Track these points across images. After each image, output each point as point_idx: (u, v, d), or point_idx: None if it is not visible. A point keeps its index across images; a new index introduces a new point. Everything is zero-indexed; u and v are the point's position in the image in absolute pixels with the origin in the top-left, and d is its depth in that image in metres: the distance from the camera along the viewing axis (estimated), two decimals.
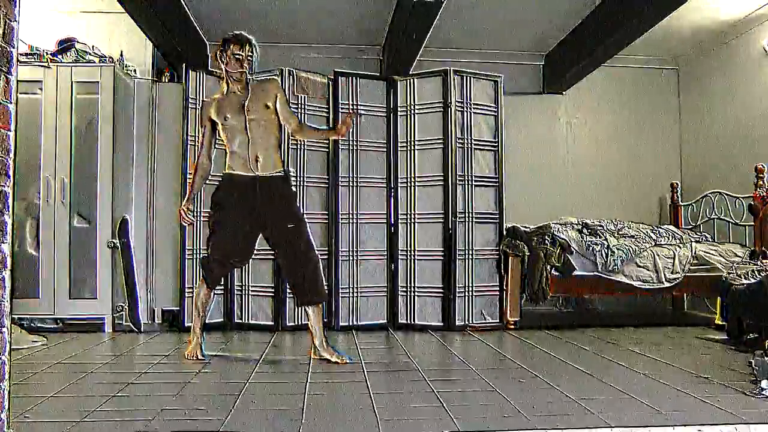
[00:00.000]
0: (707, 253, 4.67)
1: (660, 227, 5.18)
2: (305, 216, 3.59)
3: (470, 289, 4.50)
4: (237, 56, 3.35)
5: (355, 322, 4.54)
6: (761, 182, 4.61)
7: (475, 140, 4.60)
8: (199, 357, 3.36)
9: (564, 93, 6.04)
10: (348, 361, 3.28)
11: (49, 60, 4.35)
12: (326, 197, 4.67)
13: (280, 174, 3.41)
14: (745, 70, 5.23)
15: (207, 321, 4.49)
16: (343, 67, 4.97)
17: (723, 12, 5.01)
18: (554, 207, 5.56)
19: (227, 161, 3.43)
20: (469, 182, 4.56)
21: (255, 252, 4.51)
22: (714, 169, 5.61)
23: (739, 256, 4.54)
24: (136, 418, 2.25)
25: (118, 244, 4.36)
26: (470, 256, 4.52)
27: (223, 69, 3.40)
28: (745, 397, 2.54)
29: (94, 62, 4.45)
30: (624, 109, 6.16)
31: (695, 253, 4.66)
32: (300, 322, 4.50)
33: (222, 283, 4.62)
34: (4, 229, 1.90)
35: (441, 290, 4.49)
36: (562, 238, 4.61)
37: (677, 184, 5.89)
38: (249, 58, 3.38)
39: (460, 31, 5.37)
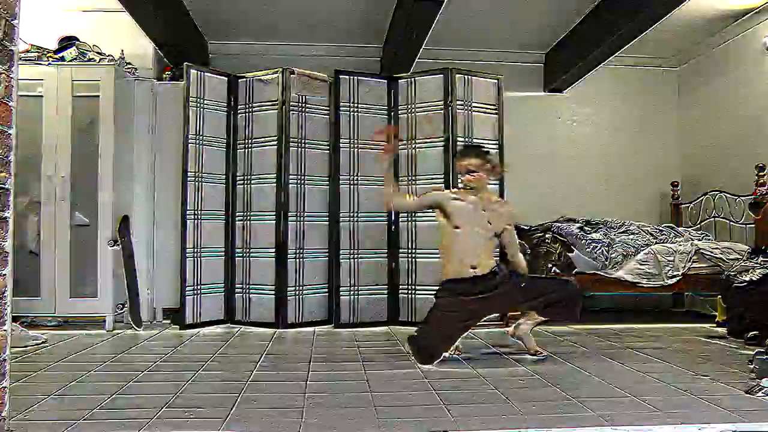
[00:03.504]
0: (708, 250, 4.66)
1: (661, 226, 5.18)
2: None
3: None
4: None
5: (355, 320, 4.55)
6: (762, 180, 4.61)
7: (476, 139, 4.59)
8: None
9: (564, 92, 6.04)
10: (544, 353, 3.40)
11: (49, 59, 4.35)
12: (327, 196, 4.68)
13: None
14: (745, 68, 5.22)
15: (207, 319, 4.54)
16: (345, 66, 4.96)
17: (722, 10, 5.00)
18: (555, 206, 5.55)
19: None
20: None
21: (256, 249, 4.59)
22: (714, 168, 5.60)
23: (740, 254, 4.54)
24: (137, 417, 2.25)
25: (119, 243, 4.36)
26: None
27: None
28: (745, 395, 2.53)
29: (95, 61, 4.45)
30: (624, 108, 6.15)
31: (696, 250, 4.66)
32: (301, 320, 4.51)
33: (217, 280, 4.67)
34: (5, 227, 1.91)
35: None
36: (563, 236, 4.60)
37: (678, 183, 5.89)
38: None
39: (460, 30, 5.37)
